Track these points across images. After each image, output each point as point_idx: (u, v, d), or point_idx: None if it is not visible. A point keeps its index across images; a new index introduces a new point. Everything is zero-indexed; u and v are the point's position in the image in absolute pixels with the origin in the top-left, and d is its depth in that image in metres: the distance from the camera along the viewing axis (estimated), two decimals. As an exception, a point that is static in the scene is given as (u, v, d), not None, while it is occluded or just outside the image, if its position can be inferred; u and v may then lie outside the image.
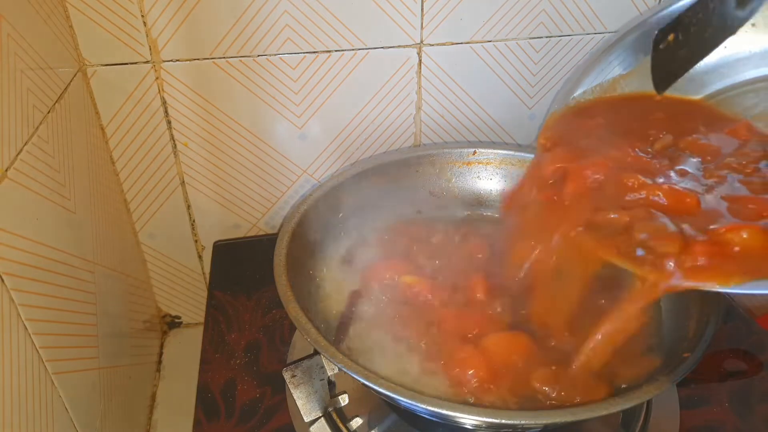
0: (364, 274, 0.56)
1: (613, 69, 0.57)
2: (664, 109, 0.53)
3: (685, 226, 0.40)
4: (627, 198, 0.44)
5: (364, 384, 0.42)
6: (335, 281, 0.57)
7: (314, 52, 0.63)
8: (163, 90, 0.62)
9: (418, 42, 0.65)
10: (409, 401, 0.41)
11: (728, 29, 0.51)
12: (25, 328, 0.41)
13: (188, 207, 0.71)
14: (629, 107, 0.54)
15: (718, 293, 0.44)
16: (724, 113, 0.53)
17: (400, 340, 0.50)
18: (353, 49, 0.64)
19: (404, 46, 0.65)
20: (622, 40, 0.57)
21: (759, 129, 0.50)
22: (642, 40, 0.55)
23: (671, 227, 0.40)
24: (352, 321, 0.52)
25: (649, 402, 0.53)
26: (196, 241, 0.73)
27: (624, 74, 0.57)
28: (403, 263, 0.57)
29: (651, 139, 0.50)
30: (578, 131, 0.51)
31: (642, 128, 0.51)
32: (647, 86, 0.55)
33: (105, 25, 0.58)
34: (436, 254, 0.58)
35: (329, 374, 0.46)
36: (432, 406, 0.40)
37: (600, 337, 0.43)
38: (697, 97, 0.55)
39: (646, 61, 0.55)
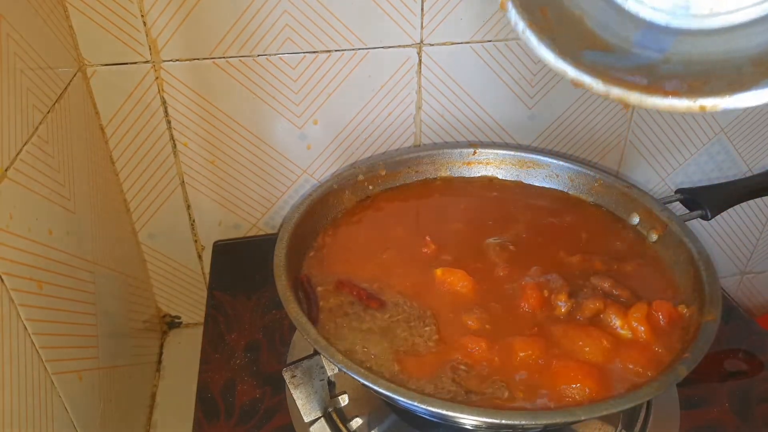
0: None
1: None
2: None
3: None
4: None
5: (364, 384, 0.42)
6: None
7: (314, 52, 0.63)
8: (162, 90, 0.62)
9: (418, 42, 0.65)
10: (409, 401, 0.41)
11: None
12: (25, 328, 0.41)
13: (188, 207, 0.71)
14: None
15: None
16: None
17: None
18: (353, 49, 0.64)
19: (404, 46, 0.65)
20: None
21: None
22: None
23: None
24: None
25: (649, 402, 0.53)
26: (195, 241, 0.73)
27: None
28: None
29: None
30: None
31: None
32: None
33: (105, 25, 0.58)
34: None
35: (329, 374, 0.46)
36: (432, 406, 0.40)
37: None
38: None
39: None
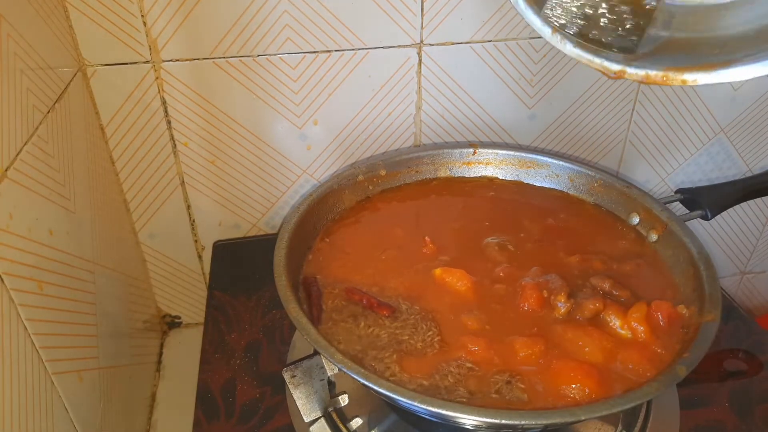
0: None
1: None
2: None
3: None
4: None
5: (364, 384, 0.42)
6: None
7: (314, 52, 0.63)
8: (163, 90, 0.62)
9: (418, 42, 0.65)
10: (409, 401, 0.41)
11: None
12: (25, 328, 0.41)
13: (188, 207, 0.71)
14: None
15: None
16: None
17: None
18: (353, 49, 0.64)
19: (404, 46, 0.65)
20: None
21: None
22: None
23: None
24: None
25: (649, 402, 0.53)
26: (196, 241, 0.73)
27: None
28: None
29: None
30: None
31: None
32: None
33: (105, 25, 0.58)
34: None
35: (329, 374, 0.46)
36: (432, 406, 0.40)
37: None
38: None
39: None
